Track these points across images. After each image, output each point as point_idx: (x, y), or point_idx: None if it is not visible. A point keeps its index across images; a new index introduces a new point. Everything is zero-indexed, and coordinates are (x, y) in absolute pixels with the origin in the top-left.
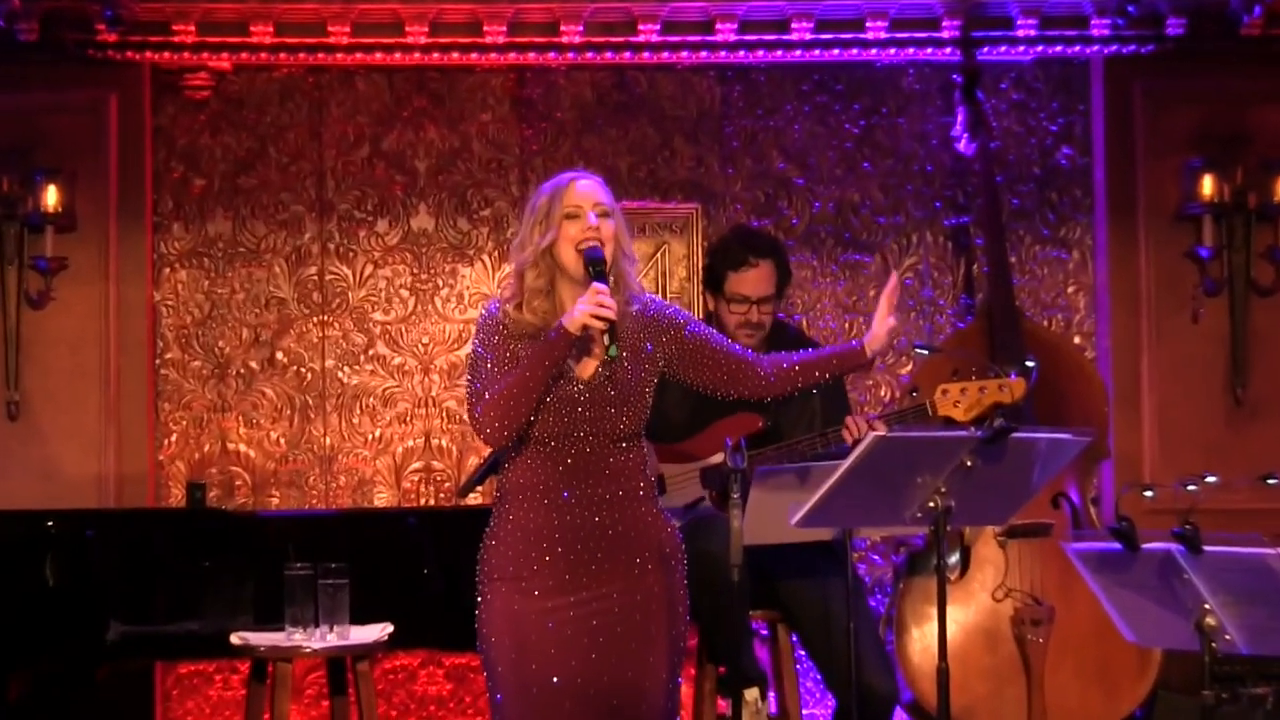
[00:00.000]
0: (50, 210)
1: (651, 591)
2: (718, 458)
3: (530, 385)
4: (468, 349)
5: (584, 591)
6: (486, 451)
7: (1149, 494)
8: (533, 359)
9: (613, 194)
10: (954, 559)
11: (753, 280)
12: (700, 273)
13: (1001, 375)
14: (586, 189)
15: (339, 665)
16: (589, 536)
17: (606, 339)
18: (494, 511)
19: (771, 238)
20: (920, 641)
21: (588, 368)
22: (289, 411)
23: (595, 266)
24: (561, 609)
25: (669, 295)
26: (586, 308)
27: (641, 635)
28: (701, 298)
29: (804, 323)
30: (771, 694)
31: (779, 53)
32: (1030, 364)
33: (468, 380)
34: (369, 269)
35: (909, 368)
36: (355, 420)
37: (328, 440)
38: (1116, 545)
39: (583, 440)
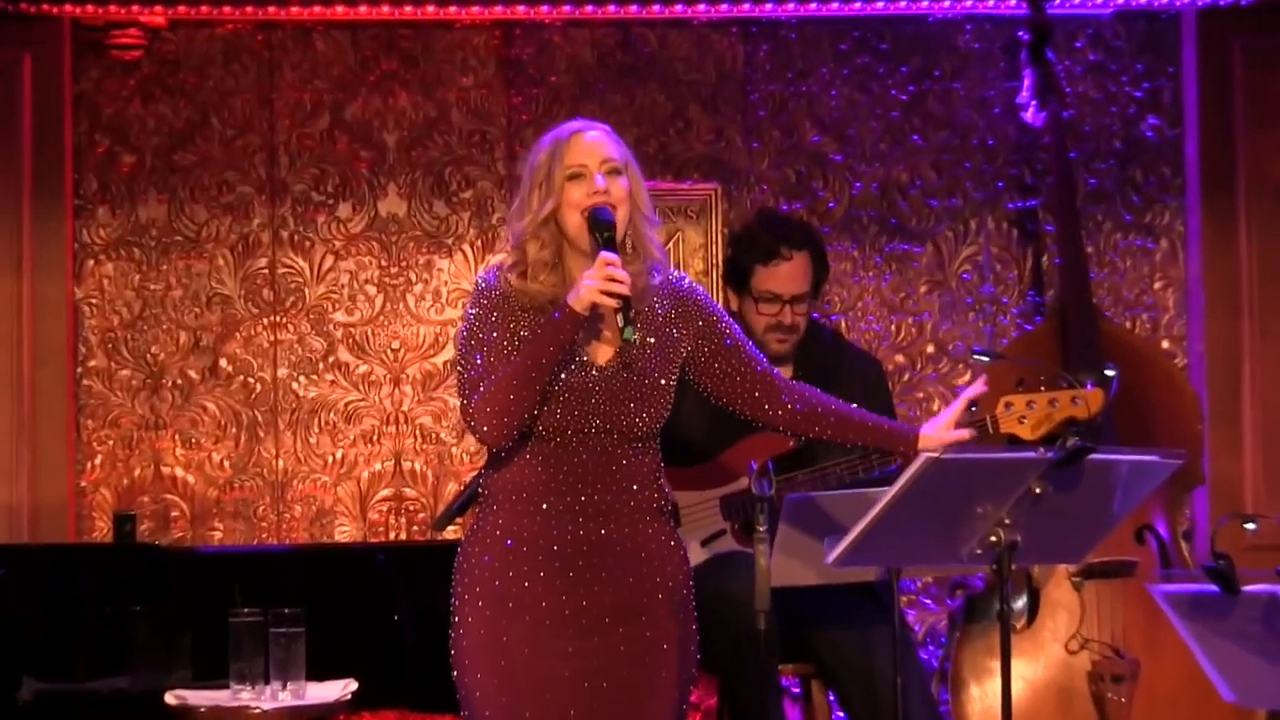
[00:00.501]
0: None
1: (664, 627)
2: (741, 483)
3: (532, 375)
4: (457, 330)
5: (584, 620)
6: (468, 476)
7: (1251, 527)
8: (535, 344)
9: (626, 145)
10: (1020, 603)
11: (785, 275)
12: (720, 266)
13: (1076, 385)
14: (592, 142)
15: None
16: (592, 553)
17: (620, 319)
18: (477, 517)
19: (806, 225)
20: (980, 701)
21: (602, 352)
22: (234, 429)
23: (603, 232)
24: (558, 642)
25: None
26: (594, 283)
27: (650, 682)
28: (722, 294)
29: (843, 324)
30: None
31: (813, 5)
32: (1110, 373)
33: (459, 365)
34: (329, 261)
35: (966, 378)
36: (313, 440)
37: (280, 463)
38: (1213, 587)
39: (593, 437)
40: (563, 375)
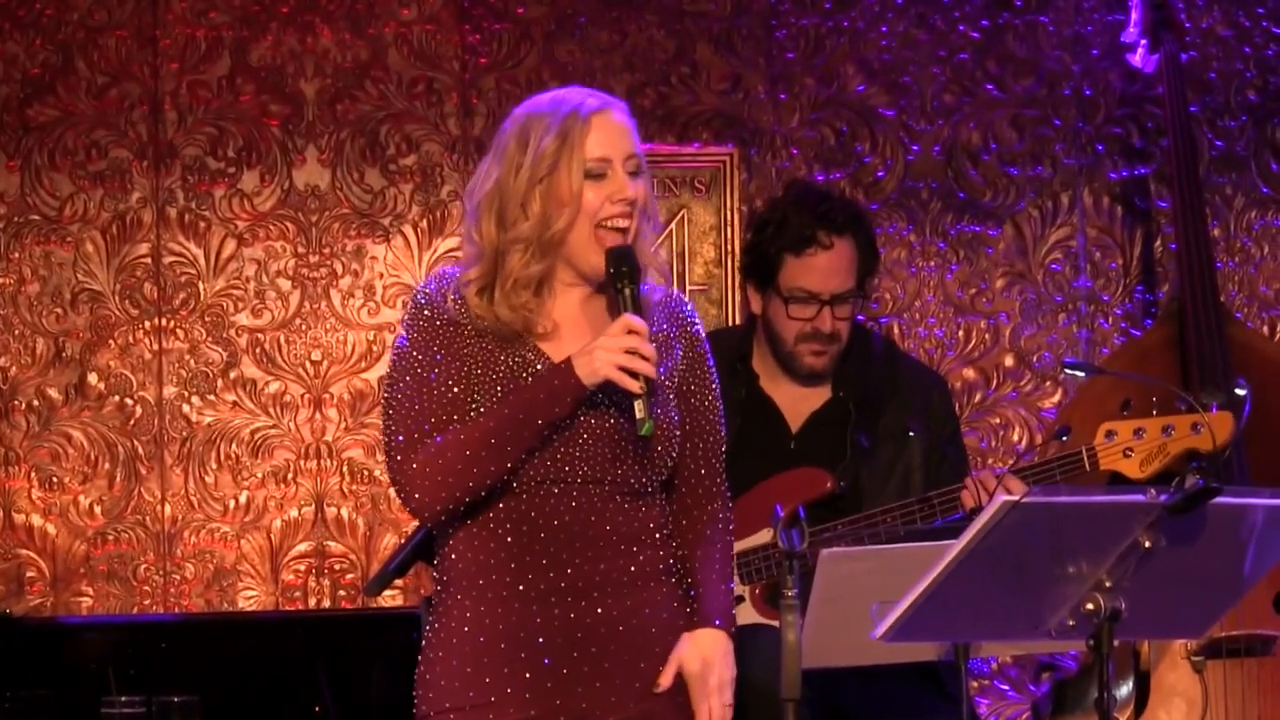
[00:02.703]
0: None
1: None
2: (763, 536)
3: (506, 450)
4: (390, 359)
5: None
6: (410, 526)
7: None
8: (516, 408)
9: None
10: (1125, 689)
11: (824, 268)
12: (738, 255)
13: (1197, 408)
14: (619, 126)
15: None
16: (586, 640)
17: (639, 408)
18: (433, 612)
19: (850, 202)
20: None
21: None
22: (107, 465)
23: (622, 278)
24: None
25: (691, 285)
26: (612, 355)
27: None
28: (739, 291)
29: (894, 329)
30: None
31: None
32: (1241, 392)
33: (387, 407)
34: (230, 247)
35: (1056, 397)
36: (209, 479)
37: (167, 509)
38: None
39: (578, 492)
40: None
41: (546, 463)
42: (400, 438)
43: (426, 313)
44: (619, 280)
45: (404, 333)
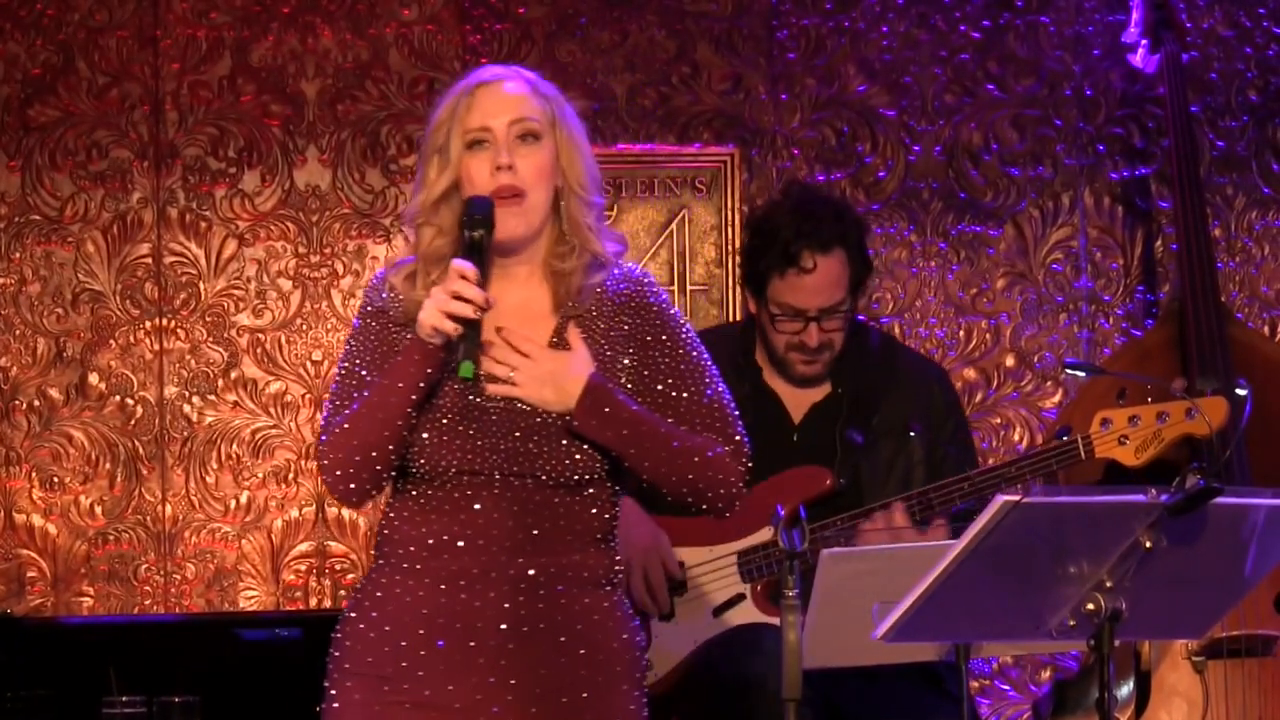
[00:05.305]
0: None
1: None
2: (764, 534)
3: (378, 417)
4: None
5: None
6: None
7: None
8: (385, 377)
9: (568, 100)
10: (1125, 690)
11: (809, 288)
12: (737, 255)
13: (1191, 395)
14: (502, 95)
15: None
16: (509, 635)
17: (462, 351)
18: (359, 588)
19: (839, 215)
20: None
21: (499, 367)
22: (108, 465)
23: (473, 229)
24: None
25: (691, 285)
26: (437, 303)
27: None
28: (739, 290)
29: (895, 329)
30: None
31: None
32: (1242, 392)
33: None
34: (231, 247)
35: (1056, 398)
36: (210, 479)
37: (168, 509)
38: None
39: (500, 485)
40: (449, 401)
41: (458, 452)
42: (324, 435)
43: (365, 300)
44: (467, 225)
45: (355, 319)
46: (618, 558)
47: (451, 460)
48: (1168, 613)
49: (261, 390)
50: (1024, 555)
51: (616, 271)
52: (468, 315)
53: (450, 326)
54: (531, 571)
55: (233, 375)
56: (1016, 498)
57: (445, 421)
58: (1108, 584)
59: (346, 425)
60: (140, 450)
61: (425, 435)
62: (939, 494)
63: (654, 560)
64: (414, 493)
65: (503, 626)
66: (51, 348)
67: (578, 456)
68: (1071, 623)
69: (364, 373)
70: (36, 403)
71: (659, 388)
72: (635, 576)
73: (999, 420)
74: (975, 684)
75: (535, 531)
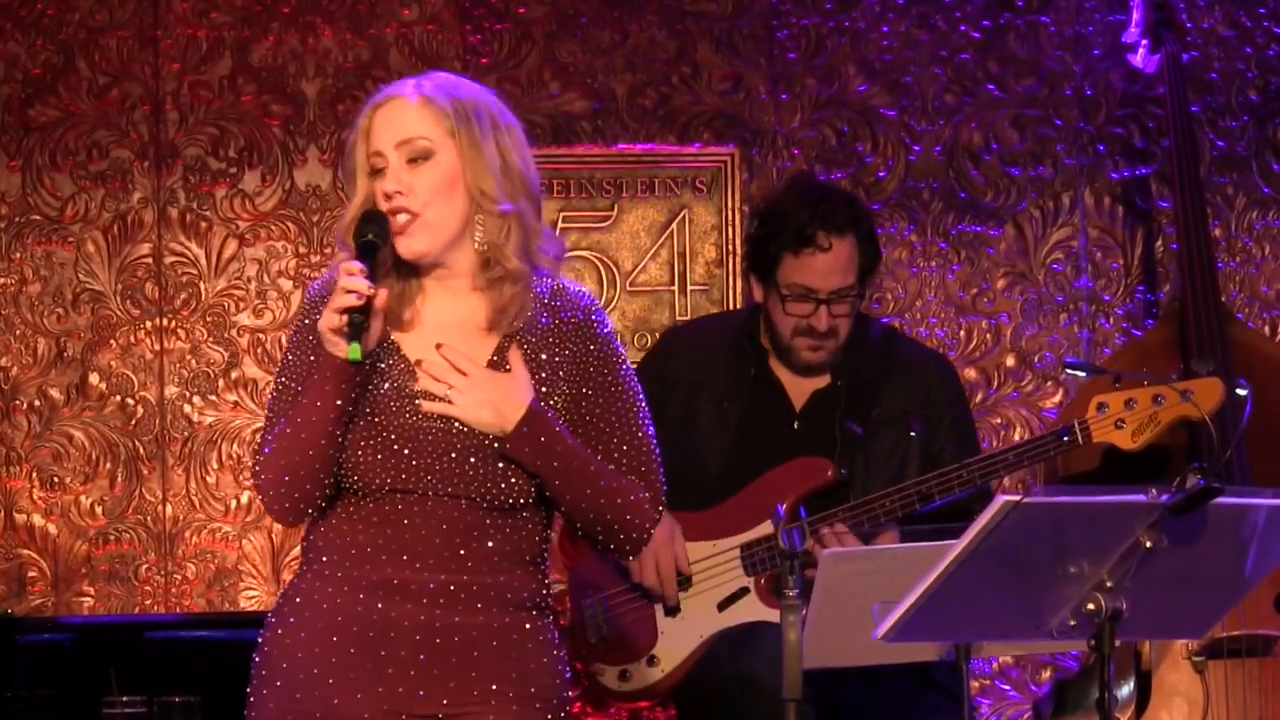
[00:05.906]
0: None
1: None
2: (767, 528)
3: (302, 436)
4: None
5: None
6: None
7: None
8: (304, 396)
9: (471, 99)
10: (1126, 690)
11: (822, 268)
12: (739, 250)
13: (1187, 377)
14: (387, 116)
15: None
16: (419, 647)
17: (347, 334)
18: (283, 593)
19: (851, 200)
20: None
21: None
22: (109, 465)
23: (364, 233)
24: None
25: (692, 285)
26: (330, 306)
27: None
28: (740, 280)
29: (897, 326)
30: None
31: None
32: (1242, 391)
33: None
34: (231, 247)
35: (1057, 398)
36: (210, 478)
37: (168, 509)
38: None
39: (432, 503)
40: (383, 418)
41: (392, 471)
42: (259, 452)
43: (302, 320)
44: (359, 233)
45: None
46: (547, 581)
47: (385, 479)
48: (1168, 613)
49: (262, 390)
50: (1024, 555)
51: (570, 291)
52: (354, 305)
53: (339, 320)
54: (452, 587)
55: (233, 375)
56: (1017, 498)
57: (380, 439)
58: (1108, 584)
59: (275, 445)
60: (141, 450)
61: (360, 453)
62: (938, 483)
63: (666, 553)
64: (345, 504)
65: (416, 638)
66: (52, 348)
67: (513, 480)
68: (1072, 623)
69: (296, 387)
70: (37, 403)
71: (590, 420)
72: (648, 567)
73: (999, 420)
74: (975, 684)
75: (462, 551)
